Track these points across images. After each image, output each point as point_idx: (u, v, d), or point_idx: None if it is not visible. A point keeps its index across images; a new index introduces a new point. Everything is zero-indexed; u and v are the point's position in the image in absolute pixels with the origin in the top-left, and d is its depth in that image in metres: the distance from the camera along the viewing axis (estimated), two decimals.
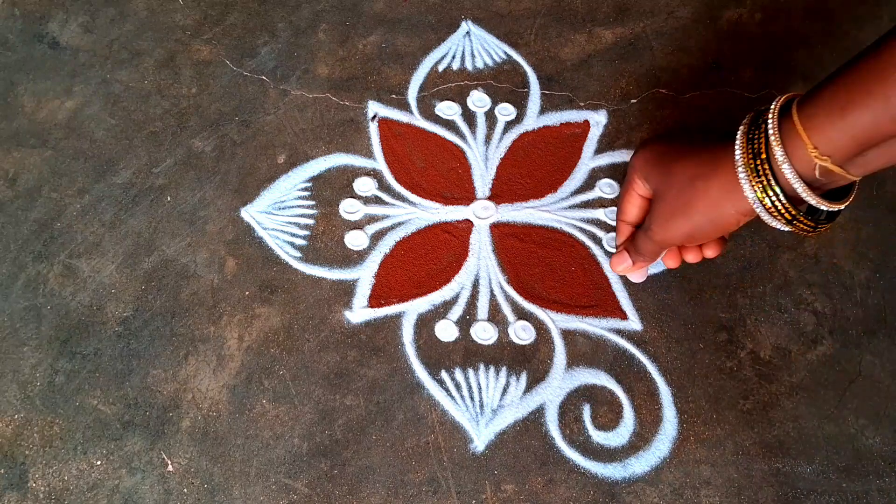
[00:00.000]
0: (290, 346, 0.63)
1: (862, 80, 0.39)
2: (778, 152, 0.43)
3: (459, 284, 0.65)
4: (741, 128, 0.46)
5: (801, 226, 0.47)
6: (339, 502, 0.56)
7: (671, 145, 0.53)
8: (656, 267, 0.64)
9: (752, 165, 0.45)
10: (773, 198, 0.45)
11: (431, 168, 0.71)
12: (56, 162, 0.73)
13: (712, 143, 0.49)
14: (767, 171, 0.44)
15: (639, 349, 0.61)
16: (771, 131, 0.43)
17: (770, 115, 0.44)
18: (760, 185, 0.45)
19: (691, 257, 0.56)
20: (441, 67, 0.77)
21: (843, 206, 0.46)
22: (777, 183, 0.44)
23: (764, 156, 0.44)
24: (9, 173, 0.72)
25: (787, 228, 0.47)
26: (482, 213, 0.68)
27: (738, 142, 0.46)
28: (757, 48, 0.77)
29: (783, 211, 0.45)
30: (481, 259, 0.66)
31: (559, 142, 0.72)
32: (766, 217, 0.47)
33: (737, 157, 0.46)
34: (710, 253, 0.56)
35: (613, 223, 0.67)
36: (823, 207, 0.45)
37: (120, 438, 0.59)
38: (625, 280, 0.65)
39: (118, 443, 0.59)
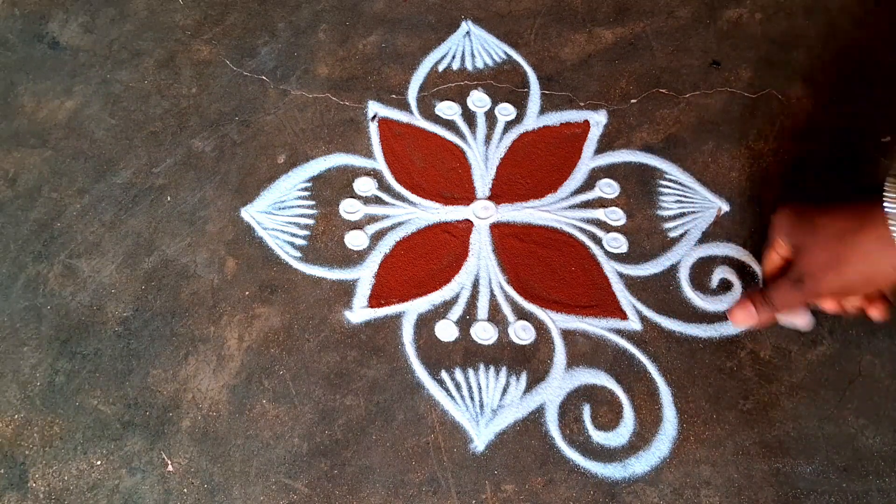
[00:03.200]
0: (290, 346, 0.63)
1: None
2: None
3: (459, 284, 0.65)
4: (889, 179, 0.46)
5: None
6: (339, 502, 0.56)
7: (812, 205, 0.53)
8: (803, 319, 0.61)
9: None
10: None
11: (431, 168, 0.71)
12: (56, 162, 0.73)
13: (857, 199, 0.49)
14: None
15: (639, 349, 0.61)
16: None
17: None
18: None
19: (852, 306, 0.56)
20: (441, 67, 0.77)
21: None
22: None
23: None
24: (9, 173, 0.72)
25: None
26: (482, 213, 0.68)
27: (887, 193, 0.46)
28: (757, 48, 0.77)
29: None
30: (481, 259, 0.66)
31: (559, 142, 0.72)
32: None
33: (888, 210, 0.46)
34: (876, 314, 0.56)
35: (613, 223, 0.67)
36: None
37: (120, 438, 0.59)
38: (625, 280, 0.65)
39: (118, 443, 0.59)
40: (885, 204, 0.46)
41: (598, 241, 0.67)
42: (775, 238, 0.57)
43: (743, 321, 0.59)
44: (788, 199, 0.68)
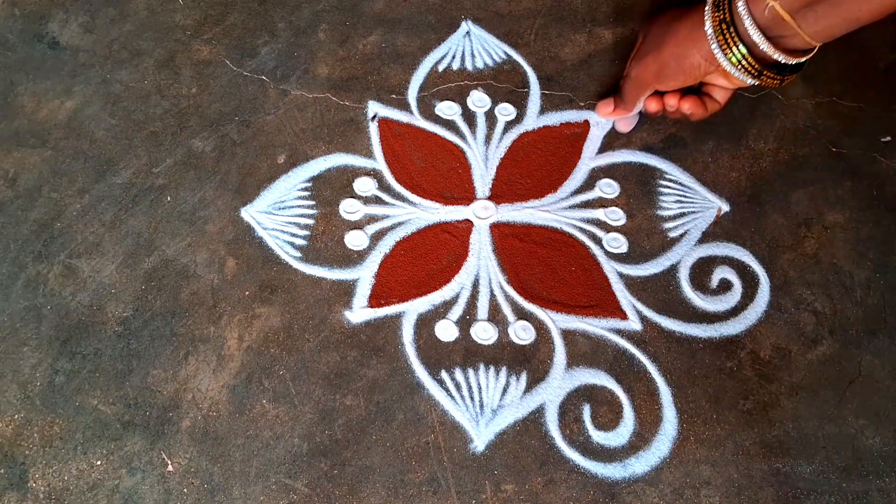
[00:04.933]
0: (290, 346, 0.63)
1: None
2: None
3: (459, 284, 0.65)
4: None
5: (750, 68, 0.52)
6: (339, 502, 0.56)
7: (663, 11, 0.59)
8: (630, 123, 0.70)
9: (715, 2, 0.51)
10: (727, 33, 0.50)
11: (431, 168, 0.71)
12: (56, 162, 0.73)
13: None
14: (725, 10, 0.50)
15: (639, 349, 0.61)
16: None
17: None
18: (717, 21, 0.51)
19: (671, 101, 0.61)
20: (441, 67, 0.77)
21: (794, 61, 0.50)
22: (734, 24, 0.50)
23: (726, 3, 0.50)
24: (9, 173, 0.72)
25: (741, 75, 0.53)
26: (482, 213, 0.68)
27: None
28: None
29: (735, 51, 0.51)
30: (481, 259, 0.66)
31: (559, 142, 0.72)
32: (723, 62, 0.52)
33: (707, 3, 0.52)
34: (687, 105, 0.61)
35: (613, 223, 0.67)
36: (766, 49, 0.50)
37: (120, 438, 0.59)
38: (625, 280, 0.65)
39: (118, 443, 0.59)
40: None
41: (598, 241, 0.67)
42: (638, 37, 0.62)
43: (602, 112, 0.69)
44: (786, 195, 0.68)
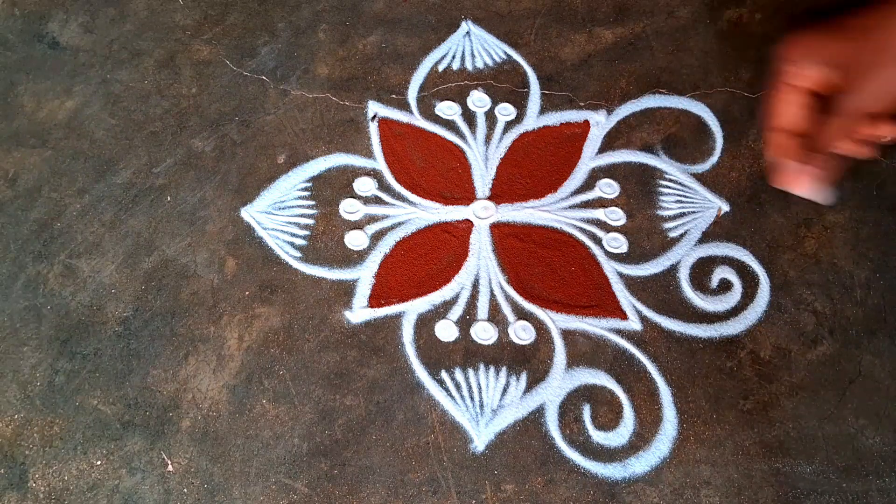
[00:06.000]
0: (290, 346, 0.63)
1: None
2: None
3: (459, 284, 0.65)
4: None
5: None
6: (339, 502, 0.56)
7: (824, 21, 0.46)
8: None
9: None
10: None
11: (431, 168, 0.71)
12: (56, 162, 0.73)
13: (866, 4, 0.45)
14: None
15: (639, 349, 0.61)
16: None
17: None
18: None
19: (886, 130, 0.49)
20: (441, 67, 0.77)
21: None
22: None
23: None
24: (9, 173, 0.72)
25: None
26: (482, 213, 0.68)
27: None
28: (757, 48, 0.76)
29: None
30: (481, 259, 0.66)
31: (559, 142, 0.72)
32: None
33: None
34: None
35: (613, 223, 0.67)
36: None
37: (120, 438, 0.59)
38: (625, 280, 0.65)
39: (118, 443, 0.59)
40: None
41: (598, 241, 0.67)
42: (789, 69, 0.45)
43: (806, 186, 0.44)
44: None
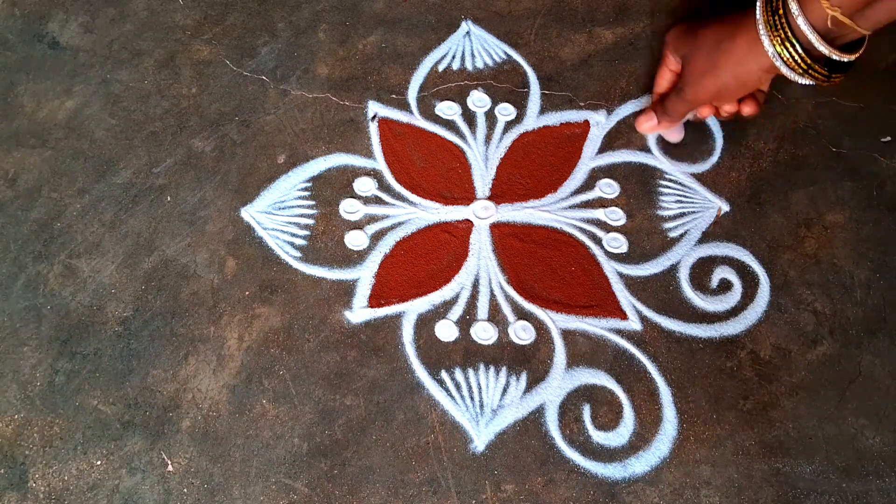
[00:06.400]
0: (290, 346, 0.63)
1: None
2: (793, 7, 0.49)
3: (459, 284, 0.65)
4: None
5: (817, 75, 0.52)
6: (339, 502, 0.56)
7: (698, 20, 0.59)
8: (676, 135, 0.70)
9: (772, 22, 0.51)
10: (791, 49, 0.51)
11: (431, 168, 0.71)
12: (56, 162, 0.73)
13: (735, 12, 0.55)
14: (785, 26, 0.50)
15: (639, 349, 0.61)
16: None
17: None
18: (779, 39, 0.51)
19: (729, 110, 0.62)
20: (441, 67, 0.77)
21: (854, 57, 0.51)
22: (794, 36, 0.50)
23: (781, 12, 0.50)
24: (9, 173, 0.72)
25: (804, 81, 0.53)
26: (482, 213, 0.68)
27: (758, 3, 0.52)
28: None
29: (799, 61, 0.51)
30: (481, 259, 0.66)
31: (559, 142, 0.72)
32: (784, 70, 0.52)
33: (757, 17, 0.52)
34: (748, 110, 0.62)
35: (613, 223, 0.67)
36: (835, 57, 0.50)
37: (120, 438, 0.59)
38: (625, 280, 0.65)
39: (118, 443, 0.59)
40: (756, 11, 0.52)
41: (598, 241, 0.67)
42: (666, 53, 0.62)
43: (645, 128, 0.68)
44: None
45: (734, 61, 0.55)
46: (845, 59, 0.51)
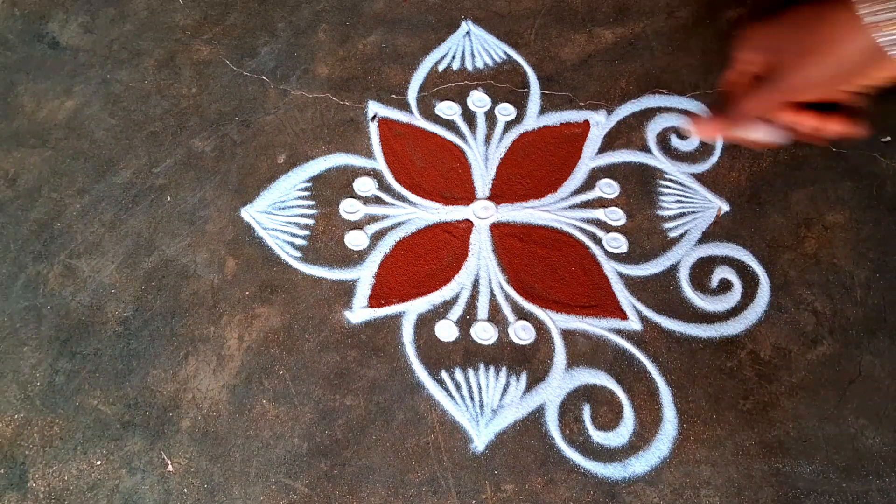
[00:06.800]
0: (290, 346, 0.63)
1: None
2: None
3: (459, 284, 0.65)
4: None
5: None
6: (339, 502, 0.56)
7: (777, 17, 0.52)
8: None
9: None
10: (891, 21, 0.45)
11: (431, 168, 0.71)
12: (56, 162, 0.73)
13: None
14: None
15: (639, 349, 0.61)
16: None
17: None
18: (877, 9, 0.47)
19: (812, 124, 0.55)
20: (441, 67, 0.77)
21: None
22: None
23: None
24: (9, 173, 0.72)
25: None
26: (482, 213, 0.68)
27: None
28: None
29: None
30: (481, 259, 0.66)
31: (559, 142, 0.72)
32: (888, 45, 0.48)
33: None
34: (834, 127, 0.56)
35: (613, 223, 0.67)
36: None
37: (120, 438, 0.59)
38: (625, 280, 0.65)
39: (118, 443, 0.59)
40: None
41: (598, 241, 0.67)
42: (740, 55, 0.53)
43: (708, 132, 0.54)
44: None
45: (830, 42, 0.51)
46: None
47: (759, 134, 0.58)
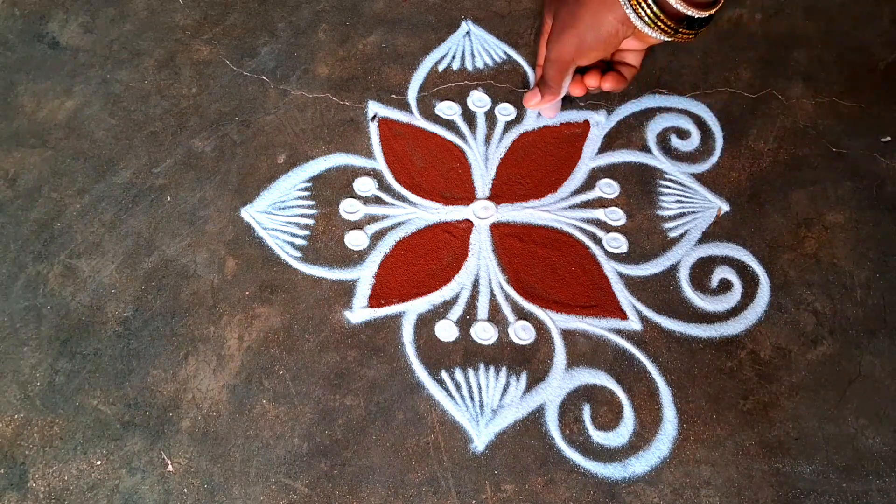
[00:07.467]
0: (290, 346, 0.63)
1: None
2: None
3: (459, 284, 0.65)
4: None
5: (663, 26, 0.53)
6: (339, 502, 0.56)
7: None
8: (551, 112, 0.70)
9: None
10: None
11: (431, 168, 0.71)
12: (56, 162, 0.73)
13: None
14: None
15: (639, 349, 0.61)
16: None
17: None
18: None
19: (592, 81, 0.62)
20: (441, 67, 0.77)
21: (707, 14, 0.52)
22: None
23: None
24: (9, 173, 0.72)
25: (658, 35, 0.54)
26: (482, 213, 0.68)
27: None
28: (757, 48, 0.77)
29: (647, 11, 0.52)
30: (481, 259, 0.66)
31: (559, 142, 0.72)
32: (637, 22, 0.53)
33: None
34: (608, 85, 0.62)
35: (613, 223, 0.67)
36: (687, 11, 0.52)
37: (120, 438, 0.59)
38: (625, 280, 0.65)
39: (118, 443, 0.59)
40: None
41: (598, 241, 0.67)
42: (544, 20, 0.62)
43: (531, 104, 0.67)
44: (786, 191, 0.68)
45: (592, 13, 0.55)
46: (694, 15, 0.52)
47: (551, 110, 0.68)
